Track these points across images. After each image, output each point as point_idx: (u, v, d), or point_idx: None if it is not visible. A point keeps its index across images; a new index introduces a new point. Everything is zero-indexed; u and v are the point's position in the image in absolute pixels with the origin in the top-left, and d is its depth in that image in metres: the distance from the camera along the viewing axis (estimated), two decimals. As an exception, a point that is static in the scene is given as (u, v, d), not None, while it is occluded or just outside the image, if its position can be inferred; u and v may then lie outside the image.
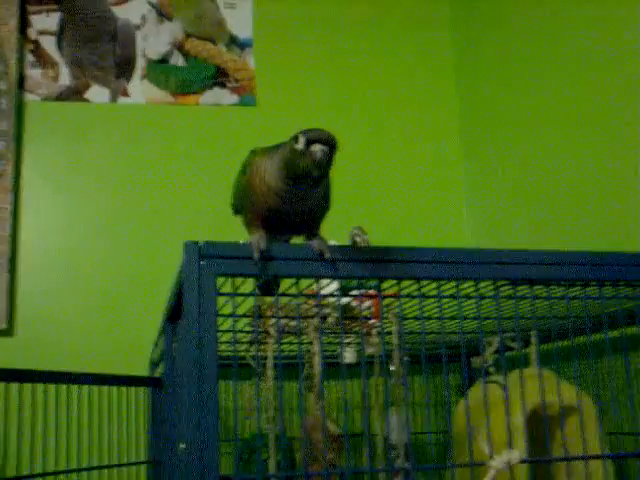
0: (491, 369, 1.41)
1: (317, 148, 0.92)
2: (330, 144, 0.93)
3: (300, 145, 0.93)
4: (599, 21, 1.67)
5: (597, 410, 1.25)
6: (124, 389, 1.42)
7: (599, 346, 1.19)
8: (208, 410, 0.83)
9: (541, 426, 1.28)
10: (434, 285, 0.99)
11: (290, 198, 0.97)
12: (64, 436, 1.25)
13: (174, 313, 1.09)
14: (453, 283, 0.97)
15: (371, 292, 1.12)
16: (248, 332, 1.41)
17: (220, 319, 0.91)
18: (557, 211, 1.81)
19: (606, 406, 1.32)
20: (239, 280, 0.93)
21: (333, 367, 1.73)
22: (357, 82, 2.29)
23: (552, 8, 1.85)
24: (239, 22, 2.24)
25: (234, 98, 2.18)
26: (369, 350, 1.44)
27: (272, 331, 1.32)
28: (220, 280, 0.89)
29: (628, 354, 1.12)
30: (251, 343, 1.54)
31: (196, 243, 0.86)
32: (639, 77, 1.54)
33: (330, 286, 1.06)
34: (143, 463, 1.51)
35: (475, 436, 1.19)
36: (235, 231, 1.06)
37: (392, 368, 1.25)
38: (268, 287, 1.00)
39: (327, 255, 0.90)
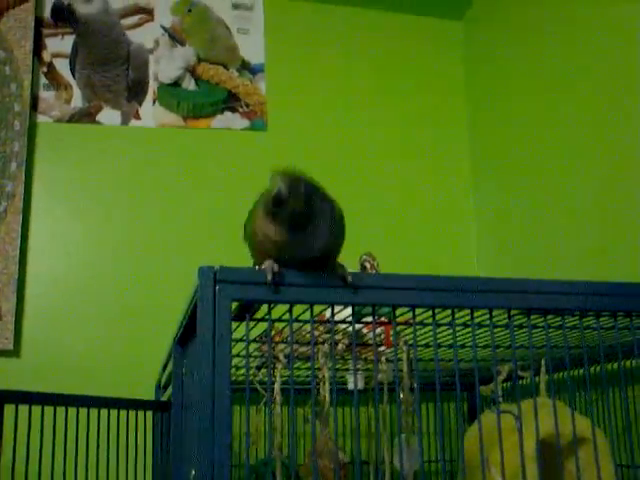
0: (500, 398, 1.40)
1: (277, 182, 0.89)
2: (290, 178, 0.90)
3: (270, 186, 0.90)
4: (612, 48, 1.68)
5: (609, 441, 1.24)
6: (131, 412, 1.41)
7: (613, 376, 1.18)
8: (220, 436, 0.82)
9: (550, 457, 1.27)
10: (447, 313, 0.98)
11: (289, 246, 0.93)
12: (72, 459, 1.24)
13: (185, 335, 1.09)
14: (466, 311, 0.97)
15: (382, 319, 1.12)
16: (256, 357, 1.41)
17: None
18: (567, 240, 1.80)
19: (616, 438, 1.31)
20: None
21: (341, 393, 1.72)
22: (367, 108, 2.30)
23: (565, 31, 1.86)
24: (251, 48, 2.26)
25: (245, 122, 2.19)
26: (379, 377, 1.43)
27: (281, 357, 1.31)
28: (233, 305, 0.89)
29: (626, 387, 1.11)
30: (258, 368, 1.53)
31: (211, 268, 0.85)
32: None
33: (341, 313, 1.05)
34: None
35: (486, 465, 1.18)
36: (246, 257, 1.06)
37: (401, 396, 1.24)
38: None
39: (349, 280, 0.89)
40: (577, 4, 1.81)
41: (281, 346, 1.32)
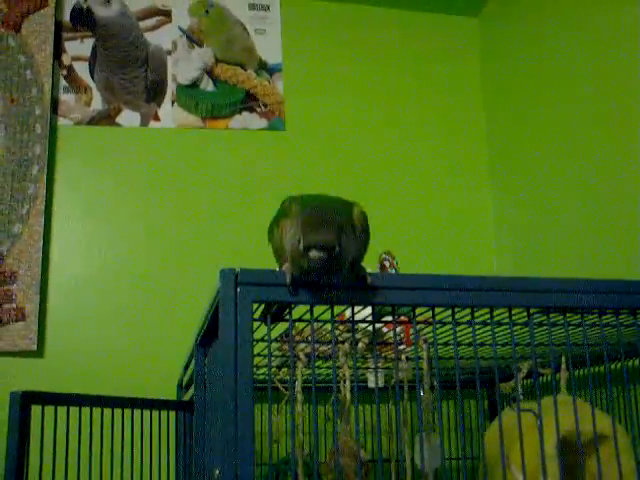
0: (521, 395, 1.41)
1: (314, 255, 0.86)
2: (326, 249, 0.86)
3: (300, 246, 0.87)
4: (632, 47, 1.68)
5: (630, 439, 1.24)
6: (154, 412, 1.42)
7: (633, 373, 1.18)
8: (243, 435, 0.83)
9: (571, 455, 1.27)
10: (467, 311, 0.99)
11: (315, 271, 0.90)
12: (97, 459, 1.25)
13: (207, 337, 1.10)
14: (486, 310, 0.97)
15: (402, 318, 1.12)
16: (277, 357, 1.42)
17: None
18: (587, 239, 1.80)
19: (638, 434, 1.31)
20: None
21: (361, 391, 1.73)
22: (386, 108, 2.30)
23: (581, 27, 1.86)
24: (269, 48, 2.27)
25: (263, 122, 2.20)
26: (399, 375, 1.44)
27: (302, 356, 1.32)
28: (254, 306, 0.90)
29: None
30: (279, 367, 1.54)
31: (232, 270, 0.86)
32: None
33: (361, 312, 1.06)
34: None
35: (506, 463, 1.18)
36: (265, 255, 1.06)
37: (422, 394, 1.25)
38: (279, 314, 0.99)
39: (369, 281, 0.89)
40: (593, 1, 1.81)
41: (301, 345, 1.33)
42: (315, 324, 1.07)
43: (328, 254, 0.86)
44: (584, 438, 1.17)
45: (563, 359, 1.35)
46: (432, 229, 2.21)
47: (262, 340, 1.01)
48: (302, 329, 1.29)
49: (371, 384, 1.60)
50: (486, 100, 2.36)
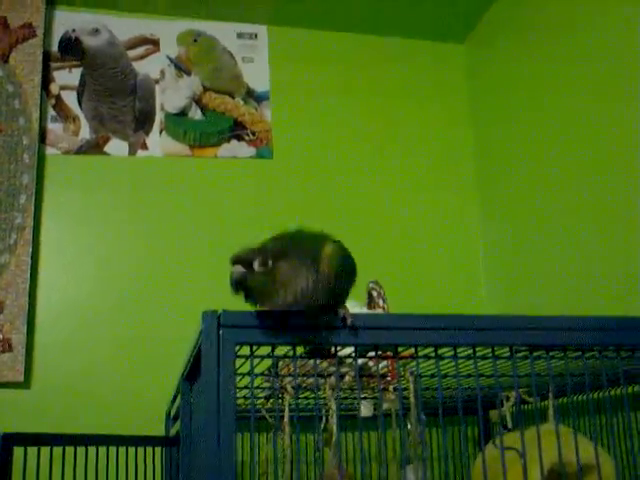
0: (510, 423, 1.41)
1: (231, 270, 0.94)
2: (239, 262, 0.94)
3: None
4: (617, 68, 1.69)
5: (615, 468, 1.24)
6: (140, 449, 1.42)
7: (617, 402, 1.18)
8: (225, 469, 0.83)
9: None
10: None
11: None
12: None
13: (192, 373, 1.10)
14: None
15: (388, 353, 1.13)
16: (264, 389, 1.42)
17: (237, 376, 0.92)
18: (576, 276, 1.80)
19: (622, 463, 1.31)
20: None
21: (350, 420, 1.73)
22: (373, 136, 2.31)
23: (568, 52, 1.87)
24: (256, 76, 2.28)
25: (251, 151, 2.21)
26: (386, 405, 1.44)
27: (289, 388, 1.32)
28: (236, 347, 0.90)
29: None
30: (267, 398, 1.54)
31: (215, 312, 0.87)
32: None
33: (347, 348, 1.06)
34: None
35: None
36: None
37: (409, 426, 1.25)
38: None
39: (349, 322, 0.90)
40: (580, 24, 1.82)
41: (288, 378, 1.33)
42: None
43: (245, 270, 0.92)
44: (571, 468, 1.17)
45: (550, 389, 1.35)
46: (420, 260, 2.21)
47: (248, 374, 1.01)
48: (290, 362, 1.29)
49: (362, 413, 1.60)
50: (474, 128, 2.37)
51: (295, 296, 0.91)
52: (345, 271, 0.98)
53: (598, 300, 1.69)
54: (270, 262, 0.92)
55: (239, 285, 0.92)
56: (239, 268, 0.92)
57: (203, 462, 0.84)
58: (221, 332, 0.85)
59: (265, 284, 0.91)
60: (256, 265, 0.92)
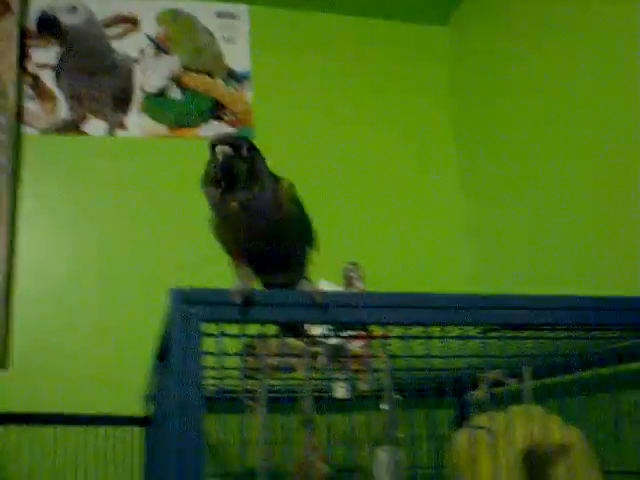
0: (487, 403, 1.41)
1: (218, 150, 0.94)
2: (231, 143, 0.95)
3: (209, 154, 0.96)
4: (603, 52, 1.69)
5: (591, 450, 1.25)
6: (120, 428, 1.41)
7: (592, 383, 1.18)
8: (191, 450, 0.82)
9: (535, 465, 1.28)
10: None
11: (232, 209, 0.98)
12: (62, 478, 1.24)
13: (163, 352, 1.09)
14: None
15: (362, 333, 1.12)
16: (236, 369, 1.41)
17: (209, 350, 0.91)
18: (557, 255, 1.80)
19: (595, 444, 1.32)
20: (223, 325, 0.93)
21: (326, 401, 1.72)
22: (355, 117, 2.30)
23: (553, 34, 1.86)
24: (237, 56, 2.26)
25: (231, 131, 2.19)
26: (361, 387, 1.44)
27: (263, 368, 1.32)
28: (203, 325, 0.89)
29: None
30: (241, 379, 1.53)
31: (181, 289, 0.86)
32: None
33: (321, 326, 1.06)
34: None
35: (472, 474, 1.18)
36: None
37: (382, 406, 1.25)
38: (293, 328, 1.00)
39: (318, 299, 0.89)
40: (566, 4, 1.81)
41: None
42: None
43: (234, 150, 0.94)
44: (545, 449, 1.18)
45: (525, 369, 1.35)
46: (400, 239, 2.21)
47: (215, 354, 1.00)
48: (262, 342, 1.28)
49: (336, 394, 1.60)
50: (454, 107, 2.36)
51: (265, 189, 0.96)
52: (300, 205, 1.07)
53: (583, 279, 1.68)
54: (250, 152, 0.93)
55: (227, 167, 0.93)
56: (228, 149, 0.91)
57: (170, 444, 0.83)
58: (187, 309, 0.84)
59: (250, 171, 0.92)
60: (244, 150, 0.93)
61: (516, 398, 1.27)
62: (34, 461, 1.19)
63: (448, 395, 1.59)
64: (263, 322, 0.90)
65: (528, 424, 1.20)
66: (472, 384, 1.67)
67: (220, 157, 0.93)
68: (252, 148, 0.98)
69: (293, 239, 1.02)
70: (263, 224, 0.98)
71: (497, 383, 1.40)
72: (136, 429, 1.48)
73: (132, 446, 1.45)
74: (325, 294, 0.87)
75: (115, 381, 1.87)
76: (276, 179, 1.03)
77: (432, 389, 1.51)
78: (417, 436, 1.91)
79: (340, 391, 1.53)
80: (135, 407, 1.67)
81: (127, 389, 1.81)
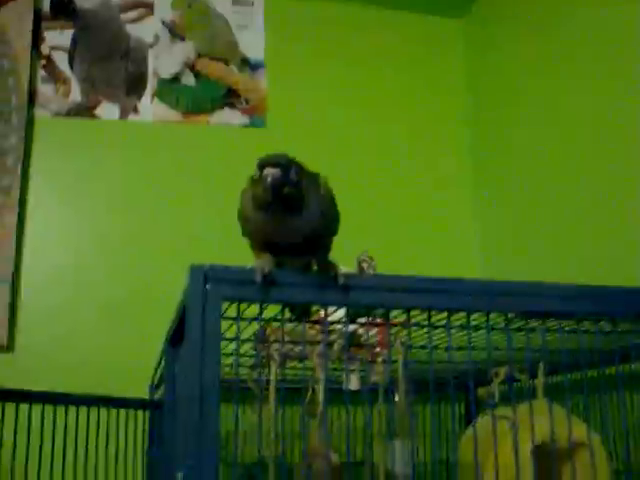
0: (497, 401, 1.39)
1: (267, 172, 0.91)
2: (280, 165, 0.92)
3: (256, 173, 0.92)
4: (617, 46, 1.67)
5: (606, 448, 1.22)
6: (123, 411, 1.39)
7: (611, 380, 1.16)
8: (208, 435, 0.80)
9: (546, 462, 1.25)
10: (443, 315, 0.96)
11: (271, 229, 0.95)
12: (60, 458, 1.22)
13: (176, 336, 1.07)
14: (463, 313, 0.95)
15: (379, 320, 1.10)
16: (251, 357, 1.39)
17: (223, 342, 0.89)
18: (569, 244, 1.78)
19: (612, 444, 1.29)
20: (243, 305, 0.91)
21: (337, 393, 1.70)
22: (368, 108, 2.28)
23: (569, 26, 1.85)
24: (251, 43, 2.24)
25: (244, 119, 2.17)
26: (374, 378, 1.41)
27: (276, 356, 1.29)
28: (224, 304, 0.87)
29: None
30: (253, 367, 1.51)
31: (201, 267, 0.84)
32: None
33: (337, 313, 1.03)
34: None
35: (482, 469, 1.16)
36: (244, 253, 1.04)
37: (396, 399, 1.23)
38: (302, 313, 0.99)
39: (341, 281, 0.87)
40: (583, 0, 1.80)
41: (276, 345, 1.30)
42: (291, 324, 1.05)
43: (282, 172, 0.90)
44: (560, 445, 1.15)
45: (541, 365, 1.33)
46: (412, 230, 2.19)
47: (234, 339, 0.98)
48: (277, 328, 1.26)
49: (349, 386, 1.58)
50: (470, 97, 2.34)
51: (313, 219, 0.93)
52: (335, 204, 1.02)
53: (595, 268, 1.66)
54: (298, 176, 0.91)
55: (277, 189, 0.90)
56: (278, 171, 0.88)
57: (186, 429, 0.81)
58: (208, 287, 0.82)
59: (297, 195, 0.90)
60: (292, 174, 0.90)
61: (531, 395, 1.25)
62: (34, 439, 1.17)
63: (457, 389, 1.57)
64: (284, 302, 0.87)
65: (542, 419, 1.18)
66: (481, 380, 1.65)
67: (270, 180, 0.90)
68: (300, 169, 0.95)
69: (324, 233, 1.00)
70: (300, 236, 0.96)
71: (509, 379, 1.38)
72: (139, 413, 1.46)
73: (136, 429, 1.43)
74: (348, 276, 0.85)
75: (119, 365, 1.86)
76: (316, 184, 1.00)
77: (442, 384, 1.49)
78: (424, 432, 1.90)
79: (352, 382, 1.51)
80: (138, 390, 1.66)
81: (131, 372, 1.80)
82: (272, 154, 0.92)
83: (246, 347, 1.25)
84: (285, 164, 0.92)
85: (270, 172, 0.89)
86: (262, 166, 0.91)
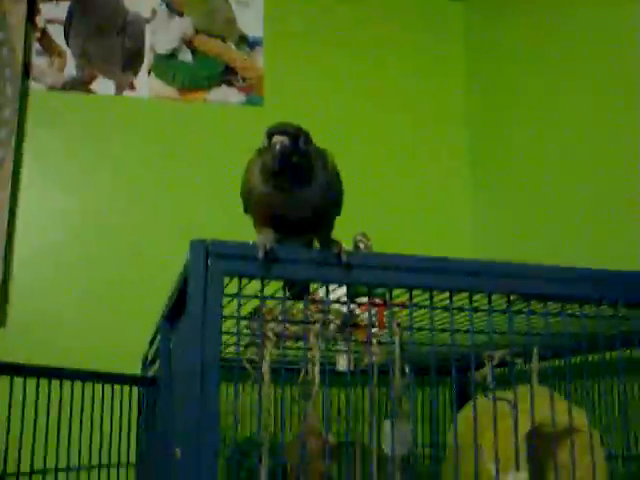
0: (490, 384, 1.38)
1: (276, 139, 0.89)
2: (289, 134, 0.90)
3: (264, 142, 0.91)
4: (618, 36, 1.66)
5: (598, 432, 1.23)
6: (117, 387, 1.38)
7: (610, 365, 1.16)
8: (209, 412, 0.80)
9: (541, 446, 1.25)
10: (444, 296, 0.96)
11: (279, 201, 0.94)
12: (53, 433, 1.21)
13: (174, 310, 1.06)
14: (465, 294, 0.94)
15: (377, 300, 1.09)
16: (246, 335, 1.38)
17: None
18: (564, 226, 1.79)
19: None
20: (243, 281, 0.90)
21: (332, 374, 1.69)
22: (367, 85, 2.26)
23: (570, 15, 1.84)
24: (250, 21, 2.21)
25: (241, 97, 2.15)
26: (368, 360, 1.41)
27: (271, 335, 1.29)
28: (224, 280, 0.86)
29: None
30: (247, 346, 1.50)
31: (203, 241, 0.82)
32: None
33: (335, 292, 1.02)
34: (131, 465, 1.47)
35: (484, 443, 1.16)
36: (240, 231, 1.03)
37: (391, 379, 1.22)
38: (300, 292, 0.98)
39: (344, 258, 0.86)
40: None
41: (271, 324, 1.29)
42: (288, 302, 1.04)
43: (291, 140, 0.89)
44: (550, 430, 1.15)
45: (535, 350, 1.33)
46: (409, 212, 2.18)
47: (234, 317, 0.97)
48: (272, 307, 1.25)
49: (340, 367, 1.57)
50: (467, 83, 2.33)
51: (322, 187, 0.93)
52: (340, 180, 1.02)
53: (590, 251, 1.66)
54: (307, 145, 0.90)
55: (286, 157, 0.88)
56: (286, 139, 0.88)
57: (186, 406, 0.81)
58: (209, 262, 0.81)
59: (306, 165, 0.89)
60: (301, 142, 0.89)
61: (522, 378, 1.25)
62: (28, 413, 1.16)
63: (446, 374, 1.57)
64: (285, 279, 0.86)
65: (535, 403, 1.17)
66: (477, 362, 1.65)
67: (278, 147, 0.88)
68: (309, 139, 0.94)
69: (330, 209, 0.99)
70: (308, 209, 0.95)
71: (503, 362, 1.38)
72: (134, 389, 1.46)
73: (130, 405, 1.43)
74: (351, 253, 0.84)
75: (111, 341, 1.85)
76: (323, 158, 0.99)
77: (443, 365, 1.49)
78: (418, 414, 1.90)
79: (341, 363, 1.50)
80: (130, 366, 1.65)
81: (122, 348, 1.79)
82: (281, 122, 0.90)
83: (242, 325, 1.24)
84: (294, 132, 0.90)
85: (279, 140, 0.88)
86: (271, 134, 0.90)
